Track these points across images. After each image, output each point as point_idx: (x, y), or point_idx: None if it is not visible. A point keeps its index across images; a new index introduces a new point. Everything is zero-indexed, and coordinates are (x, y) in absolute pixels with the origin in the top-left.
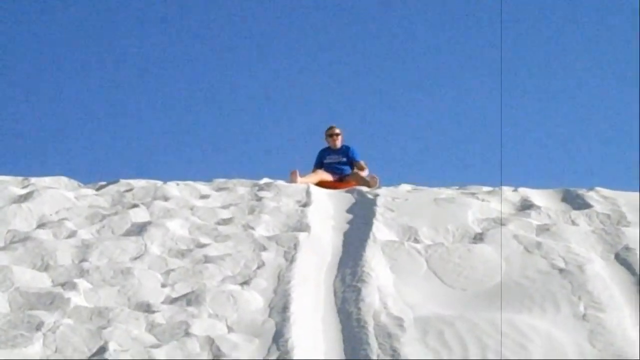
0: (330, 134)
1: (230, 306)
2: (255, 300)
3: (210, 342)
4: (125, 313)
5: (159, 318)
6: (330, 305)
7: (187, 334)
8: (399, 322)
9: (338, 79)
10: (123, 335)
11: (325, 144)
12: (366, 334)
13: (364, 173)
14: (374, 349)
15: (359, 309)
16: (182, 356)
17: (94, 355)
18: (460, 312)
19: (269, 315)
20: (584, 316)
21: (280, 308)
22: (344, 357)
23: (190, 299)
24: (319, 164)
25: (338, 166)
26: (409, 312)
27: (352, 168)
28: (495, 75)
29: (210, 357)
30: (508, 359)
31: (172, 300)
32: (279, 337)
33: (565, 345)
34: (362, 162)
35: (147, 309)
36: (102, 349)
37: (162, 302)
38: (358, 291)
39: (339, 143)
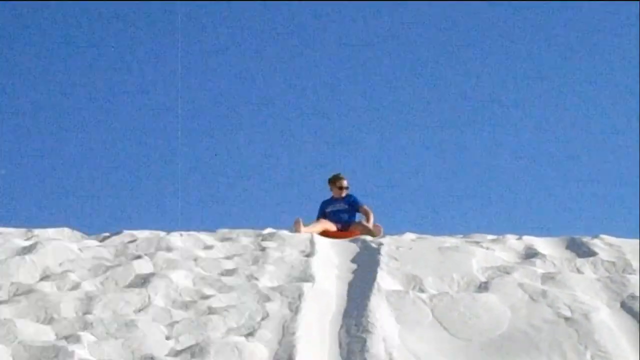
0: (340, 187)
1: (235, 358)
2: (260, 351)
3: None
4: None
5: None
6: (335, 357)
7: None
8: None
9: (340, 126)
10: None
11: (327, 193)
12: None
13: (370, 220)
14: None
15: (366, 357)
16: None
17: None
18: None
19: None
20: None
21: (285, 359)
22: None
23: (195, 351)
24: (322, 215)
25: (342, 214)
26: None
27: (355, 215)
28: (499, 123)
29: None
30: None
31: (177, 353)
32: None
33: None
34: (366, 207)
35: None
36: None
37: (167, 355)
38: (363, 342)
39: (344, 194)
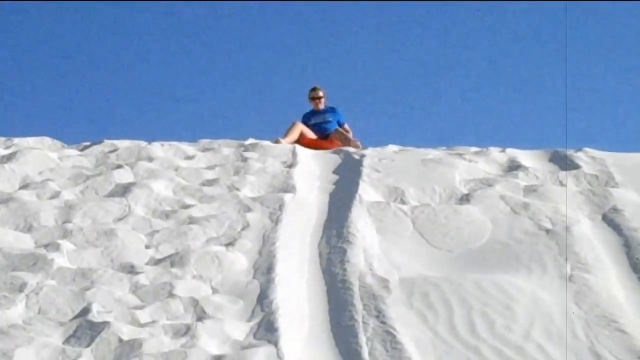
0: (313, 97)
1: (215, 267)
2: (239, 261)
3: (195, 303)
4: (109, 274)
5: (142, 279)
6: (315, 267)
7: (171, 295)
8: (384, 283)
9: (324, 37)
10: (106, 297)
11: (309, 107)
12: (351, 295)
13: (349, 135)
14: (359, 310)
15: (344, 270)
16: (165, 317)
17: (77, 316)
18: (446, 274)
19: (254, 277)
20: (570, 277)
21: (264, 269)
22: (328, 318)
23: (175, 260)
24: (303, 120)
25: (324, 125)
26: (394, 274)
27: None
28: (486, 31)
29: (195, 319)
30: (493, 320)
31: (156, 262)
32: (263, 298)
33: (551, 307)
34: (347, 126)
35: (131, 270)
36: (86, 310)
37: (146, 264)
38: (343, 252)
39: (322, 105)
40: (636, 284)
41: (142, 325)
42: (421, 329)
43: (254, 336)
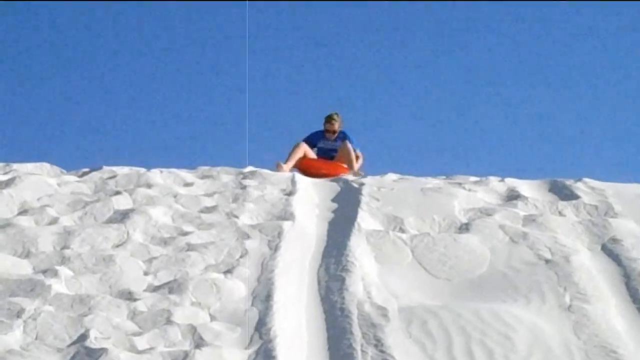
0: (328, 129)
1: (213, 295)
2: (238, 288)
3: (193, 330)
4: (107, 301)
5: (140, 306)
6: (314, 295)
7: (169, 322)
8: (383, 312)
9: (326, 61)
10: (104, 323)
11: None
12: (350, 323)
13: (358, 163)
14: (358, 339)
15: (343, 298)
16: (163, 344)
17: (74, 342)
18: (445, 302)
19: (252, 304)
20: (569, 307)
21: (263, 297)
22: (327, 346)
23: (173, 287)
24: (308, 142)
25: (331, 153)
26: (393, 302)
27: None
28: (483, 63)
29: (193, 346)
30: (492, 349)
31: (155, 288)
32: (261, 326)
33: (550, 336)
34: (358, 151)
35: (129, 296)
36: (83, 337)
37: (144, 290)
38: (342, 280)
39: (333, 136)
40: (635, 314)
41: (140, 352)
42: (420, 357)
43: None
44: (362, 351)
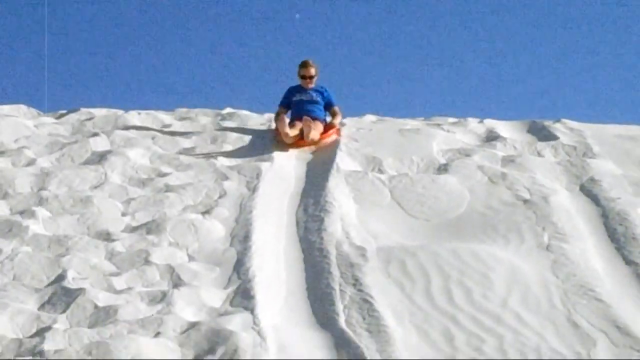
0: (303, 75)
1: (191, 235)
2: (216, 229)
3: (171, 270)
4: (85, 241)
5: (118, 247)
6: (292, 235)
7: (147, 262)
8: (362, 252)
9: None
10: (82, 264)
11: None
12: (328, 263)
13: (337, 120)
14: (336, 278)
15: (322, 238)
16: (141, 284)
17: (52, 283)
18: (423, 243)
19: (230, 245)
20: (547, 247)
21: (241, 237)
22: (305, 286)
23: (151, 227)
24: (286, 104)
25: (309, 106)
26: (371, 242)
27: (323, 111)
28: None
29: (171, 286)
30: (470, 289)
31: (132, 229)
32: (240, 266)
33: (529, 275)
34: (337, 108)
35: (107, 237)
36: (61, 277)
37: (122, 231)
38: (321, 221)
39: (312, 85)
40: (613, 253)
41: (117, 292)
42: (398, 297)
43: (231, 303)
44: (341, 291)
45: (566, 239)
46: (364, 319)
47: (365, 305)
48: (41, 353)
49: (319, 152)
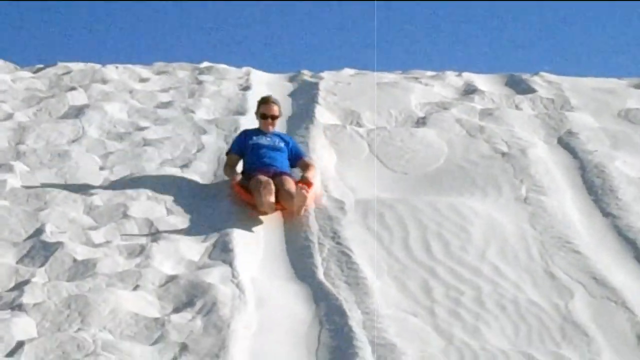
0: (264, 114)
1: (170, 189)
2: (195, 183)
3: (149, 224)
4: (63, 195)
5: (96, 200)
6: None
7: (126, 216)
8: (340, 205)
9: None
10: (60, 218)
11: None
12: (306, 216)
13: (311, 173)
14: (315, 231)
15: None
16: (120, 238)
17: (30, 237)
18: (402, 196)
19: (209, 198)
20: (525, 199)
21: (220, 191)
22: (284, 240)
23: (129, 181)
24: (238, 151)
25: (272, 154)
26: (350, 195)
27: (292, 165)
28: None
29: (149, 239)
30: (448, 241)
31: (111, 183)
32: (218, 220)
33: (507, 228)
34: (309, 159)
35: (85, 191)
36: (39, 231)
37: (100, 185)
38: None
39: (272, 128)
40: (591, 206)
41: (96, 246)
42: (377, 249)
43: (209, 257)
44: (319, 244)
45: (544, 192)
46: (342, 271)
47: (344, 258)
48: (20, 306)
49: (297, 106)
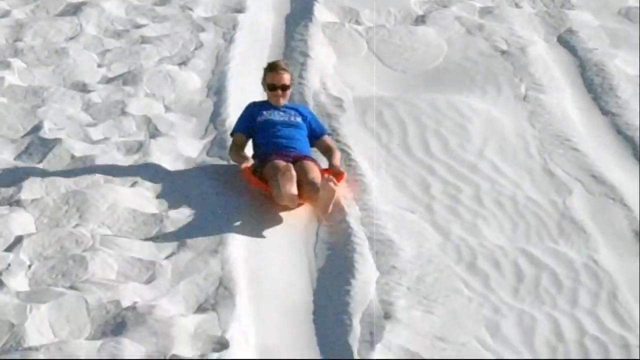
0: (273, 84)
1: (168, 86)
2: (192, 80)
3: (147, 121)
4: (61, 92)
5: (95, 97)
6: None
7: (124, 113)
8: (338, 102)
9: None
10: (58, 114)
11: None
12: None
13: (336, 158)
14: None
15: (301, 87)
16: (118, 135)
17: (28, 133)
18: (400, 94)
19: (207, 96)
20: (524, 97)
21: (217, 88)
22: None
23: (127, 78)
24: (245, 129)
25: (287, 131)
26: (348, 93)
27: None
28: None
29: (147, 136)
30: (447, 139)
31: (109, 80)
32: (216, 117)
33: (506, 126)
34: (329, 138)
35: (83, 88)
36: (37, 128)
37: (98, 82)
38: (298, 72)
39: (284, 100)
40: (590, 104)
41: (94, 142)
42: (375, 147)
43: (207, 153)
44: None
45: (543, 90)
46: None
47: (342, 155)
48: (18, 202)
49: (295, 4)
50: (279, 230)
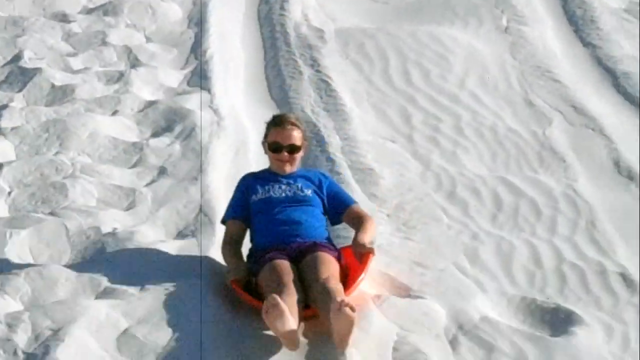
0: (277, 143)
1: (149, 17)
2: (173, 11)
3: (128, 51)
4: (41, 22)
5: (75, 27)
6: (252, 18)
7: (104, 43)
8: (320, 33)
9: None
10: (38, 44)
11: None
12: (288, 44)
13: (369, 233)
14: (295, 60)
15: (281, 21)
16: (99, 64)
17: (8, 63)
18: (382, 25)
19: (188, 26)
20: (506, 29)
21: (199, 19)
22: (264, 68)
23: (108, 9)
24: (241, 213)
25: (295, 214)
26: (330, 24)
27: (334, 221)
28: None
29: (128, 66)
30: (428, 70)
31: (89, 10)
32: (197, 48)
33: (487, 57)
34: (359, 206)
35: (63, 18)
36: (17, 57)
37: (79, 12)
38: (280, 3)
39: (292, 168)
40: (572, 36)
41: (74, 72)
42: (356, 78)
43: (188, 83)
44: (299, 72)
45: (525, 22)
46: (321, 98)
47: (323, 86)
48: None
49: None
50: (260, 154)
